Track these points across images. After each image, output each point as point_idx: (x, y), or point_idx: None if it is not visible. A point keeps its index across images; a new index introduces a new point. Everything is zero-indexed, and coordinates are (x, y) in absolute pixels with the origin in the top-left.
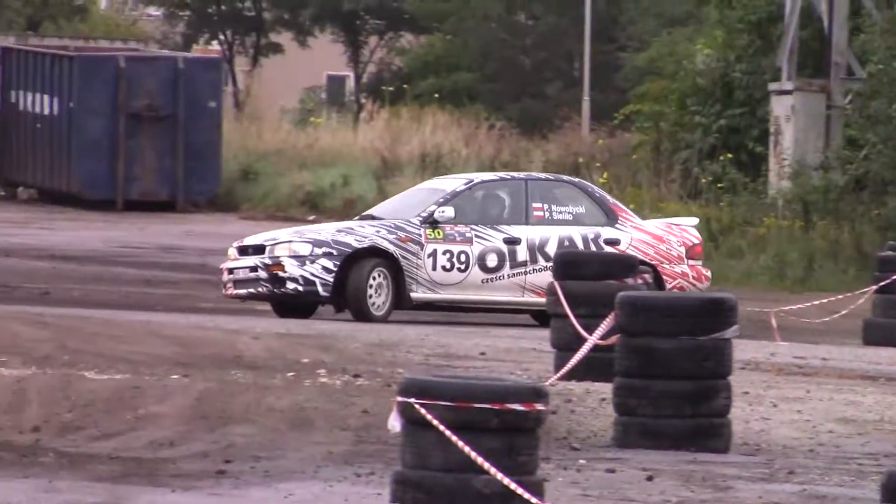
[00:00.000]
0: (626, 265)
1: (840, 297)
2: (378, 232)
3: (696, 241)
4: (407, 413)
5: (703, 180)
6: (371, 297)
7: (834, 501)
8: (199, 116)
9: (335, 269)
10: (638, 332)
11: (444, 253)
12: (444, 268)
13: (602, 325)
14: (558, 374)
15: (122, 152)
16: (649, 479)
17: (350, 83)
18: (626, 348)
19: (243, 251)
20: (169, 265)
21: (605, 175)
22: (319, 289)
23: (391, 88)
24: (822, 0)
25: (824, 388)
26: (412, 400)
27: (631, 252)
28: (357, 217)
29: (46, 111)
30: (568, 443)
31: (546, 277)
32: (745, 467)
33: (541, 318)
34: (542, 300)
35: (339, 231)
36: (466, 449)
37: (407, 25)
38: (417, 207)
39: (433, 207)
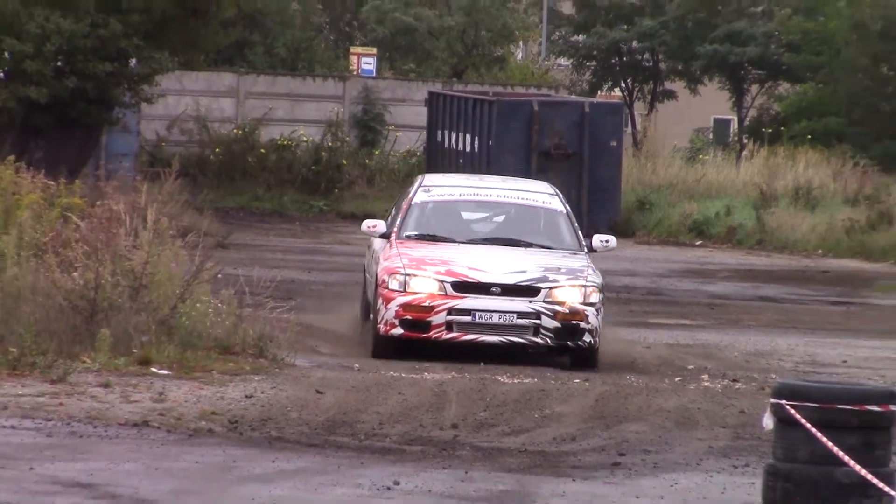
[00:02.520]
0: None
1: None
2: (594, 270)
3: None
4: (779, 413)
5: None
6: None
7: None
8: (602, 154)
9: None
10: None
11: None
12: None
13: None
14: None
15: None
16: None
17: (734, 125)
18: None
19: (473, 288)
20: None
21: None
22: (597, 339)
23: (769, 130)
24: None
25: None
26: (783, 402)
27: None
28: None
29: (468, 149)
30: None
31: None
32: None
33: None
34: None
35: (596, 271)
36: (830, 444)
37: (784, 75)
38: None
39: (582, 236)
